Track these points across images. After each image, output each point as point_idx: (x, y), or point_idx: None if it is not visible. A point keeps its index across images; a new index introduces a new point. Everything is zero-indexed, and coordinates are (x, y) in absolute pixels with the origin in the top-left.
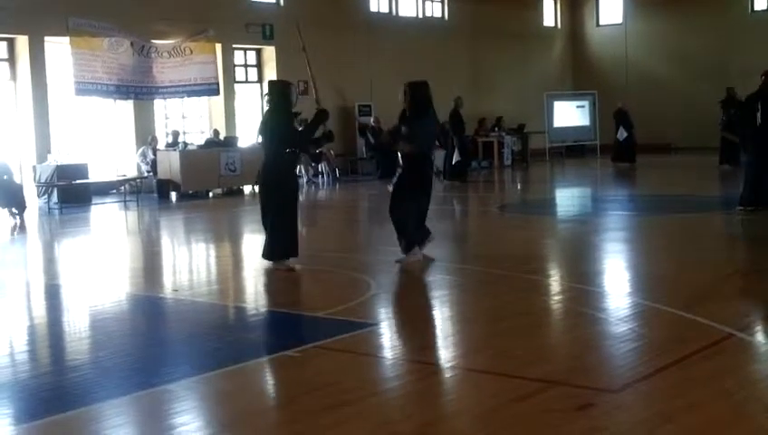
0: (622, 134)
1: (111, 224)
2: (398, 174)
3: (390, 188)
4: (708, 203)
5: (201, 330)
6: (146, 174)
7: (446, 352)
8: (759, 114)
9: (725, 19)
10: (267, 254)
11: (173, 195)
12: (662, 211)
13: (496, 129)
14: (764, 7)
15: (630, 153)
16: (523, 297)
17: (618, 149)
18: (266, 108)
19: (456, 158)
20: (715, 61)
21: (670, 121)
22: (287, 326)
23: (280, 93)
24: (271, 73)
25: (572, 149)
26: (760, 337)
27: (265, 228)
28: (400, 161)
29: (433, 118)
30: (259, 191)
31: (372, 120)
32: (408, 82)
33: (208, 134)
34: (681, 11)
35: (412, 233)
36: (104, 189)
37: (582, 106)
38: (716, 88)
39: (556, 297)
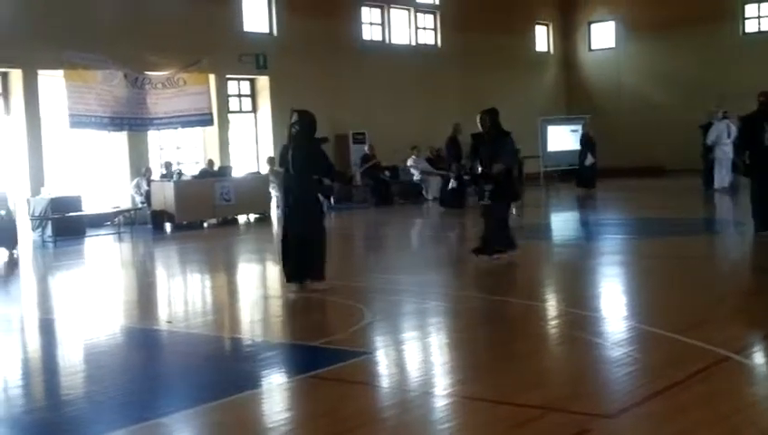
0: (590, 160)
1: (106, 256)
2: (488, 193)
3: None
4: (701, 225)
5: (196, 362)
6: (140, 205)
7: (442, 380)
8: (766, 135)
9: (717, 42)
10: (316, 273)
11: (167, 226)
12: (656, 234)
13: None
14: (756, 30)
15: (593, 178)
16: (519, 323)
17: (583, 175)
18: (294, 136)
19: (452, 184)
20: (708, 83)
21: (663, 144)
22: (283, 356)
23: (310, 123)
24: (265, 103)
25: (567, 173)
26: (755, 360)
27: (288, 253)
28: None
29: (511, 138)
30: (287, 215)
31: (367, 147)
32: (483, 110)
33: (203, 164)
34: (673, 35)
35: (503, 238)
36: (98, 221)
37: (576, 130)
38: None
39: (552, 322)
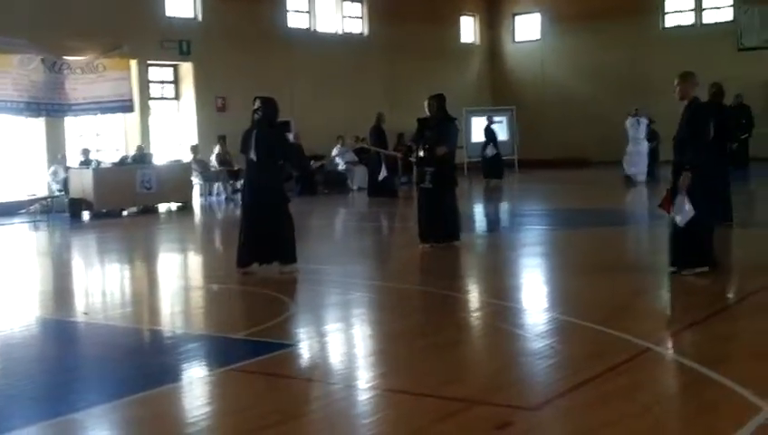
0: (492, 150)
1: (20, 245)
2: (429, 177)
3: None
4: (623, 217)
5: (113, 354)
6: (57, 193)
7: (365, 373)
8: (712, 129)
9: (638, 35)
10: (289, 256)
11: (85, 214)
12: (577, 225)
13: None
14: (675, 24)
15: (499, 169)
16: (442, 314)
17: (488, 166)
18: (257, 122)
19: (383, 174)
20: (629, 76)
21: (587, 136)
22: (203, 349)
23: (273, 109)
24: (188, 90)
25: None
26: (676, 351)
27: (249, 236)
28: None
29: (455, 123)
30: (250, 201)
31: (293, 136)
32: (432, 95)
33: (123, 152)
34: (596, 28)
35: (457, 224)
36: (13, 209)
37: (501, 121)
38: (630, 103)
39: (474, 314)
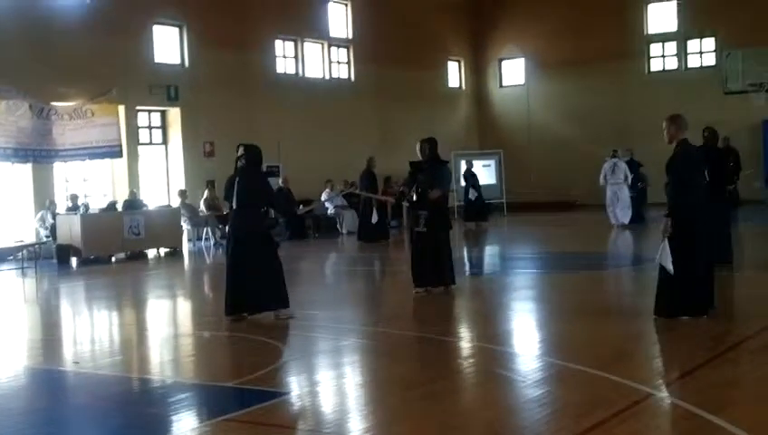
0: (473, 194)
1: (8, 292)
2: (423, 220)
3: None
4: (612, 260)
5: (104, 405)
6: (45, 239)
7: (361, 423)
8: (707, 172)
9: (623, 80)
10: (282, 302)
11: (73, 260)
12: (567, 269)
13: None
14: (660, 68)
15: (483, 212)
16: (437, 360)
17: (471, 209)
18: (241, 169)
19: (374, 217)
20: (615, 120)
21: (573, 179)
22: (195, 398)
23: (257, 156)
24: (176, 135)
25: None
26: (678, 396)
27: (237, 284)
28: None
29: (448, 166)
30: (234, 249)
31: (281, 180)
32: (423, 139)
33: (111, 197)
34: (581, 72)
35: (451, 268)
36: (1, 256)
37: (488, 165)
38: (615, 146)
39: (470, 359)
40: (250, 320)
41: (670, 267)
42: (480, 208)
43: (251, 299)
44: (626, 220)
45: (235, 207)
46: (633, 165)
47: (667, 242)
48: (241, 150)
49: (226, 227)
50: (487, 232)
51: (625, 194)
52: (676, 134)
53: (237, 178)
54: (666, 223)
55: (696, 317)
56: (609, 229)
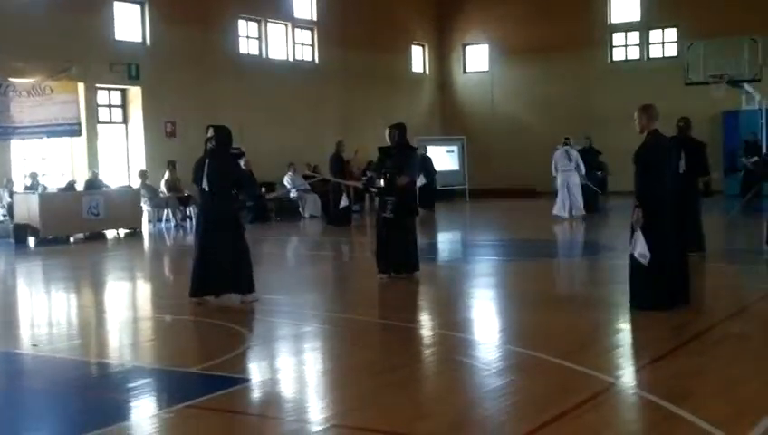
0: (421, 180)
1: None
2: (391, 206)
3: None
4: (576, 248)
5: (62, 389)
6: (1, 218)
7: (328, 410)
8: (683, 162)
9: (586, 68)
10: (248, 286)
11: (31, 240)
12: (530, 256)
13: (367, 172)
14: (622, 58)
15: (430, 200)
16: (401, 348)
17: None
18: (210, 151)
19: (343, 202)
20: (577, 108)
21: (535, 166)
22: (156, 384)
23: (226, 137)
24: (137, 114)
25: (442, 193)
26: (642, 387)
27: (206, 266)
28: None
29: (416, 152)
30: (204, 231)
31: (243, 162)
32: (393, 124)
33: (70, 176)
34: (544, 60)
35: (416, 254)
36: None
37: (452, 151)
38: (577, 133)
39: (435, 347)
40: (213, 303)
41: (647, 258)
42: (429, 195)
43: (220, 282)
44: (578, 212)
45: (206, 189)
46: (591, 153)
47: (640, 232)
48: (211, 132)
49: (187, 209)
50: (434, 220)
51: (575, 181)
52: (648, 124)
53: (208, 160)
54: (637, 213)
55: (670, 310)
56: (564, 219)
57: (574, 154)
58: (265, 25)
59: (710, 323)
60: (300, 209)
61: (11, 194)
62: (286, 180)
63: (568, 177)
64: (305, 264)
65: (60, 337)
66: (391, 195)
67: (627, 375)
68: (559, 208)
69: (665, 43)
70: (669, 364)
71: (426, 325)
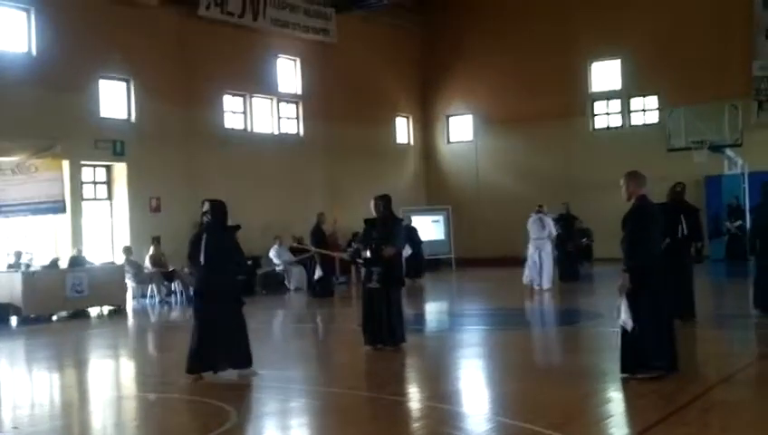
0: (408, 251)
1: None
2: (377, 276)
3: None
4: (562, 317)
5: None
6: None
7: None
8: (684, 226)
9: (568, 137)
10: (246, 361)
11: (13, 319)
12: (516, 326)
13: (353, 244)
14: (605, 126)
15: (419, 269)
16: (389, 422)
17: (407, 266)
18: (207, 225)
19: (318, 273)
20: (560, 177)
21: (521, 234)
22: None
23: (223, 212)
24: (121, 190)
25: (428, 263)
26: None
27: (205, 342)
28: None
29: (402, 223)
30: (203, 307)
31: None
32: (378, 196)
33: (54, 254)
34: (527, 130)
35: (402, 326)
36: None
37: (437, 220)
38: (561, 201)
39: (423, 420)
40: (201, 381)
41: (630, 325)
42: (417, 265)
43: (219, 357)
44: (548, 284)
45: (203, 264)
46: (567, 220)
47: (625, 299)
48: (206, 206)
49: (172, 284)
50: (424, 289)
51: (547, 251)
52: (635, 191)
53: (205, 235)
54: (624, 279)
55: (659, 377)
56: (560, 285)
57: (548, 222)
58: (250, 100)
59: (700, 391)
60: (285, 282)
61: None
62: (272, 254)
63: (540, 245)
64: (291, 337)
65: (42, 418)
66: (378, 265)
67: None
68: (527, 277)
69: (645, 110)
70: (660, 434)
71: (414, 398)
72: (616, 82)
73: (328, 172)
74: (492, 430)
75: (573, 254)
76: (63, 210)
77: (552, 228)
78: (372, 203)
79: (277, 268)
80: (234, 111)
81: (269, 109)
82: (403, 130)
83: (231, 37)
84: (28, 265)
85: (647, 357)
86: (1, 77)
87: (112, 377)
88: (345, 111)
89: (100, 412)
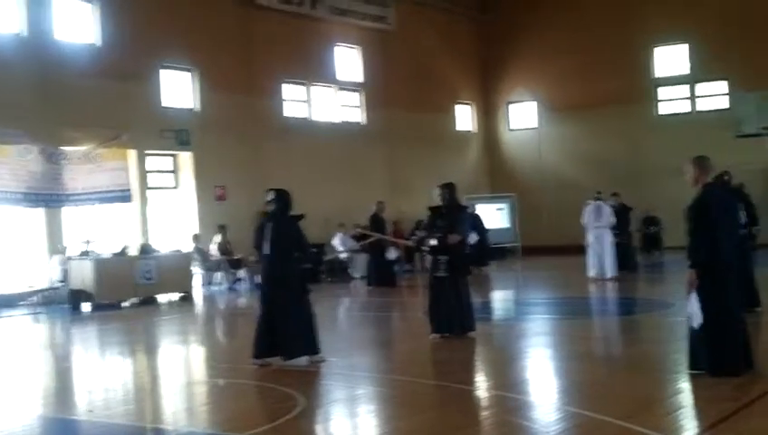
0: (474, 238)
1: (20, 338)
2: (444, 265)
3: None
4: (628, 306)
5: None
6: (57, 284)
7: None
8: (743, 214)
9: (633, 123)
10: (312, 348)
11: (86, 306)
12: (585, 314)
13: (416, 232)
14: (669, 112)
15: (484, 257)
16: (456, 410)
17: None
18: (271, 214)
19: (392, 254)
20: (625, 163)
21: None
22: None
23: (287, 201)
24: (187, 179)
25: (494, 251)
26: None
27: (269, 329)
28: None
29: (467, 211)
30: (268, 295)
31: None
32: (442, 184)
33: (123, 242)
34: (590, 116)
35: (471, 314)
36: (13, 301)
37: (502, 208)
38: (627, 189)
39: (491, 409)
40: (268, 367)
41: (698, 321)
42: (481, 253)
43: (284, 345)
44: (612, 273)
45: (267, 252)
46: (619, 211)
47: (695, 294)
48: (271, 195)
49: (238, 272)
50: (489, 277)
51: (608, 241)
52: (700, 177)
53: (270, 224)
54: (690, 275)
55: (732, 377)
56: (625, 274)
57: (606, 210)
58: (311, 89)
59: None
60: (349, 270)
61: (66, 260)
62: (336, 241)
63: (599, 234)
64: (357, 325)
65: (115, 402)
66: (444, 254)
67: None
68: (590, 268)
69: (713, 95)
70: (733, 427)
71: (481, 386)
72: (683, 67)
73: (389, 160)
74: (560, 420)
75: (625, 245)
76: (130, 199)
77: (610, 216)
78: (437, 191)
79: (341, 256)
80: (294, 100)
81: (329, 97)
82: (465, 117)
83: (290, 26)
84: (98, 253)
85: (716, 356)
86: (68, 68)
87: (182, 362)
88: (405, 98)
89: (170, 397)
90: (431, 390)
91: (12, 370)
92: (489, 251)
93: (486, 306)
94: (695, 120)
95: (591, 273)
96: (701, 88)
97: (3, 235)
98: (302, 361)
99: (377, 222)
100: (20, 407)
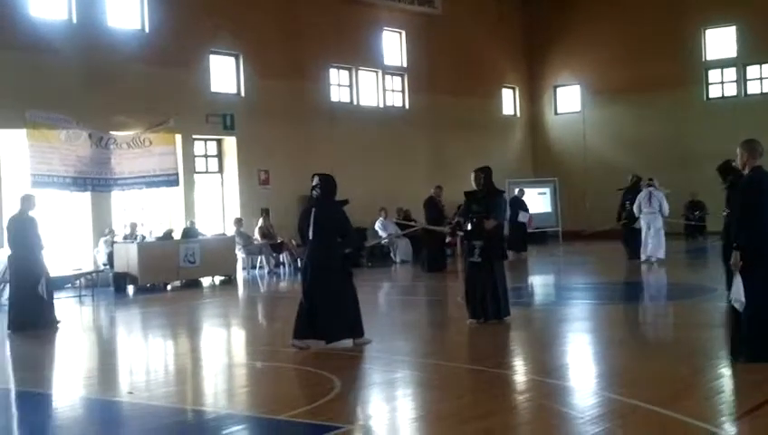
0: (525, 216)
1: (66, 320)
2: (478, 250)
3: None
4: (669, 291)
5: None
6: (102, 267)
7: None
8: None
9: (681, 107)
10: (359, 330)
11: (130, 288)
12: (625, 299)
13: (455, 217)
14: (719, 95)
15: (524, 241)
16: (492, 395)
17: (511, 238)
18: (316, 199)
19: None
20: (672, 148)
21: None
22: (248, 431)
23: (331, 186)
24: (231, 164)
25: (535, 236)
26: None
27: (312, 311)
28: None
29: (504, 196)
30: (311, 280)
31: None
32: (478, 168)
33: (167, 225)
34: (636, 99)
35: (506, 299)
36: (59, 284)
37: (544, 193)
38: (674, 174)
39: (527, 394)
40: (308, 350)
41: (742, 303)
42: (522, 237)
43: (325, 328)
44: (660, 255)
45: (311, 237)
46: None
47: (739, 277)
48: (316, 180)
49: (281, 256)
50: (527, 262)
51: (658, 225)
52: (748, 160)
53: (314, 209)
54: (734, 256)
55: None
56: (672, 257)
57: (658, 196)
58: (356, 73)
59: None
60: (391, 255)
61: (112, 243)
62: (378, 226)
63: (651, 220)
64: (396, 309)
65: (156, 384)
66: (479, 239)
67: (727, 424)
68: (644, 252)
69: (763, 78)
70: None
71: (517, 371)
72: (731, 50)
73: (433, 144)
74: (597, 405)
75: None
76: (177, 183)
77: (662, 202)
78: (473, 175)
79: (383, 241)
80: (340, 85)
81: (374, 82)
82: (509, 101)
83: (337, 11)
84: (143, 237)
85: (756, 342)
86: (116, 54)
87: (223, 345)
88: (450, 83)
89: (211, 379)
90: (467, 374)
91: (56, 352)
92: (526, 236)
93: (525, 291)
94: (744, 104)
95: (643, 257)
96: (751, 71)
97: (51, 219)
98: (345, 342)
99: (433, 206)
100: (63, 389)
